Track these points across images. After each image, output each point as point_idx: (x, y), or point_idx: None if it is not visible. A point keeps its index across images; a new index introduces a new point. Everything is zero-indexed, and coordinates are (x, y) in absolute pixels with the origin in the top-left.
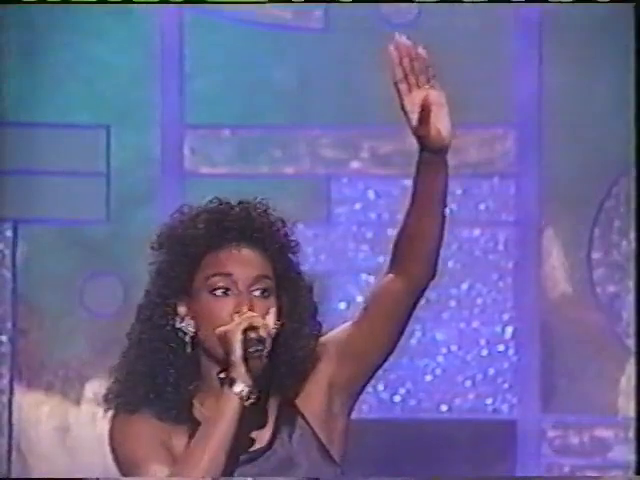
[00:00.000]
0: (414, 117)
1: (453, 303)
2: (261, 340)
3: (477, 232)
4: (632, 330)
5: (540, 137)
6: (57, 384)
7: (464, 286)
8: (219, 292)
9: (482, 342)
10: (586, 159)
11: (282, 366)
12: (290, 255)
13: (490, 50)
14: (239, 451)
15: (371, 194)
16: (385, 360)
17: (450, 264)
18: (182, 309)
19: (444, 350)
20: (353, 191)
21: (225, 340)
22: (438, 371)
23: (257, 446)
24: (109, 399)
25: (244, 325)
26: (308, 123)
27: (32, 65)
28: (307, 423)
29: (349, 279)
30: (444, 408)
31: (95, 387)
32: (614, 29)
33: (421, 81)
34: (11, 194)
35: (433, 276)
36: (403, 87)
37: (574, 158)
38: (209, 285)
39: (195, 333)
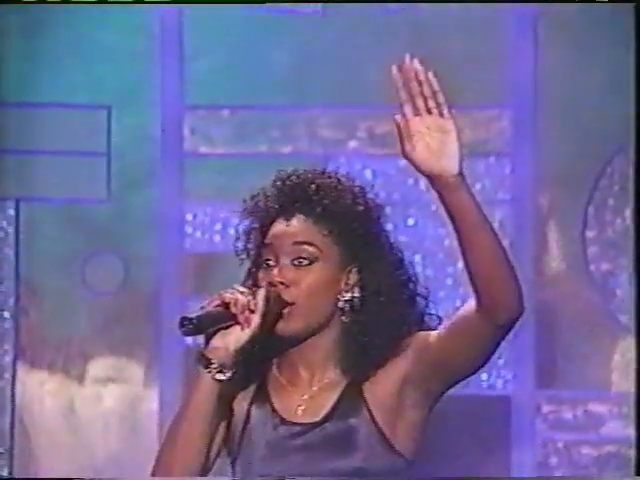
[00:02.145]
0: (414, 142)
1: (449, 281)
2: (224, 316)
3: None
4: (626, 307)
5: (535, 118)
6: (59, 362)
7: (460, 264)
8: (264, 265)
9: None
10: (581, 139)
11: (354, 344)
12: (360, 225)
13: (486, 33)
14: (284, 420)
15: (368, 173)
16: (466, 378)
17: (446, 242)
18: (259, 275)
19: (440, 328)
20: (350, 170)
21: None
22: None
23: (309, 419)
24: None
25: (216, 302)
26: (306, 104)
27: (34, 47)
28: (368, 410)
29: None
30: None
31: (97, 365)
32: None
33: (430, 105)
34: (13, 173)
35: (520, 313)
36: (408, 111)
37: (569, 138)
38: (259, 261)
39: None
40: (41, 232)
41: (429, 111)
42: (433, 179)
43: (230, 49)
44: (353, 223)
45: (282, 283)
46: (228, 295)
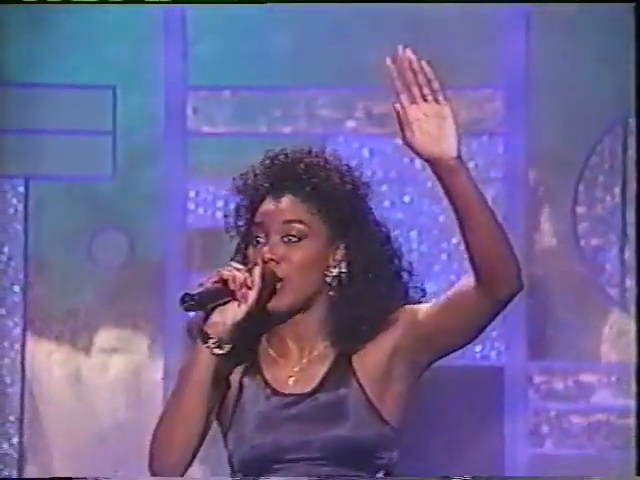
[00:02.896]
0: (413, 128)
1: (444, 256)
2: (222, 292)
3: None
4: (615, 281)
5: (527, 98)
6: (66, 333)
7: (454, 240)
8: (254, 242)
9: None
10: (571, 118)
11: (344, 318)
12: (349, 201)
13: (480, 17)
14: (275, 391)
15: (365, 152)
16: (456, 350)
17: (441, 219)
18: (249, 251)
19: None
20: (348, 149)
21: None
22: None
23: (299, 390)
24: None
25: (214, 278)
26: (305, 84)
27: (42, 30)
28: (357, 380)
29: None
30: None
31: (103, 336)
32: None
33: (425, 93)
34: (22, 152)
35: (519, 288)
36: (405, 99)
37: (560, 118)
38: (250, 238)
39: None
40: (49, 209)
41: (425, 98)
42: (433, 163)
43: (231, 32)
44: (341, 201)
45: (272, 259)
46: (226, 272)
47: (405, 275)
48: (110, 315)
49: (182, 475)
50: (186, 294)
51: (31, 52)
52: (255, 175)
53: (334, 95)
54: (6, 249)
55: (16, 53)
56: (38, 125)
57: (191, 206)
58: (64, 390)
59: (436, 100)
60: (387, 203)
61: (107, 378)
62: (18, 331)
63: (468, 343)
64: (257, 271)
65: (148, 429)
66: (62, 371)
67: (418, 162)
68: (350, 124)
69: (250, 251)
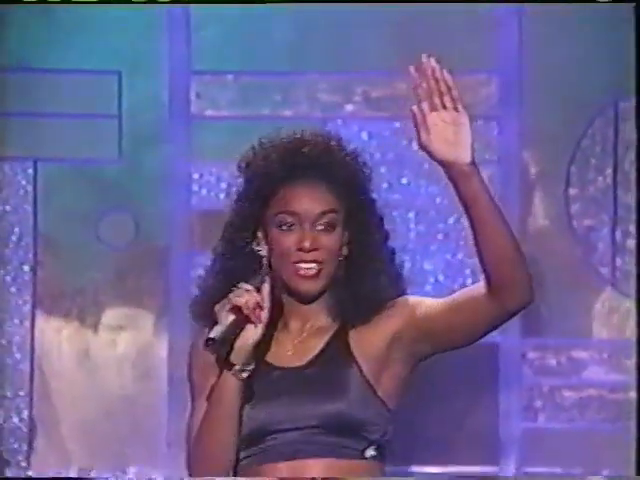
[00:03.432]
0: (430, 133)
1: (440, 236)
2: (239, 321)
3: None
4: (606, 260)
5: (521, 83)
6: (75, 311)
7: (451, 220)
8: (285, 227)
9: (467, 272)
10: (564, 102)
11: (346, 292)
12: (360, 188)
13: (476, 5)
14: (273, 366)
15: (364, 135)
16: (456, 349)
17: (438, 200)
18: (260, 234)
19: (432, 279)
20: (347, 132)
21: (215, 318)
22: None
23: (297, 363)
24: (191, 308)
25: (228, 306)
26: (306, 70)
27: (51, 18)
28: (354, 358)
29: None
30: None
31: (110, 314)
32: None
33: (445, 101)
34: (31, 135)
35: (530, 299)
36: (426, 106)
37: (553, 102)
38: (277, 221)
39: (269, 258)
40: (57, 190)
41: (444, 106)
42: (448, 167)
43: (234, 18)
44: (354, 187)
45: (310, 249)
46: (238, 299)
47: (397, 256)
48: (117, 293)
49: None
50: (208, 339)
51: (40, 39)
52: (272, 160)
53: (333, 80)
54: (16, 229)
55: (26, 39)
56: (46, 109)
57: (195, 188)
58: (73, 366)
59: (455, 108)
60: (385, 185)
61: (114, 354)
62: (28, 308)
63: (469, 344)
64: (266, 288)
65: (154, 404)
66: (71, 347)
67: (415, 145)
68: (349, 108)
69: (278, 236)
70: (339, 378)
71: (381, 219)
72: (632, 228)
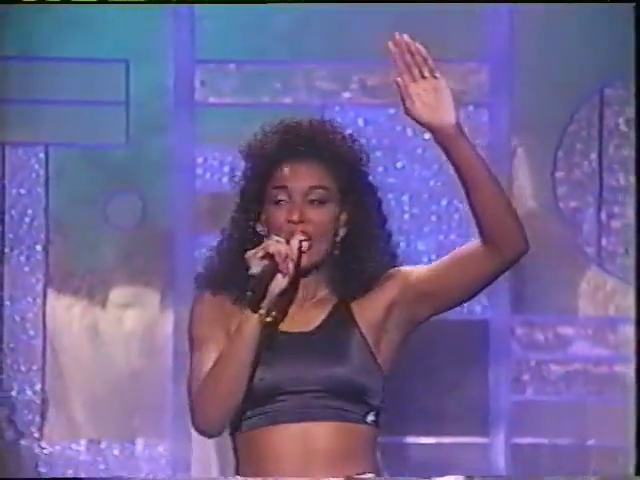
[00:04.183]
0: (413, 100)
1: (434, 218)
2: (271, 269)
3: None
4: (592, 240)
5: (511, 71)
6: (84, 289)
7: (443, 202)
8: (279, 203)
9: None
10: (551, 89)
11: (346, 270)
12: (354, 168)
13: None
14: (279, 329)
15: (360, 121)
16: (454, 307)
17: (431, 183)
18: (263, 215)
19: (425, 259)
20: (344, 119)
21: (248, 264)
22: None
23: (301, 329)
24: (197, 280)
25: (261, 253)
26: (305, 59)
27: (62, 10)
28: (356, 323)
29: None
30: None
31: (118, 292)
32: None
33: (424, 72)
34: (43, 121)
35: (526, 247)
36: (406, 78)
37: (540, 89)
38: (271, 196)
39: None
40: (67, 174)
41: (423, 76)
42: (434, 131)
43: (236, 9)
44: (351, 168)
45: (301, 221)
46: (272, 247)
47: (393, 237)
48: (124, 272)
49: (222, 430)
50: (250, 276)
51: (52, 30)
52: (271, 142)
53: (331, 68)
54: (29, 211)
55: (38, 31)
56: (57, 96)
57: (199, 171)
58: (83, 342)
59: (433, 76)
60: (381, 169)
61: (122, 331)
62: (40, 287)
63: (468, 300)
64: (294, 243)
65: (160, 378)
66: (80, 324)
67: (410, 130)
68: (346, 95)
69: (271, 211)
70: (344, 344)
71: (379, 203)
72: (617, 209)
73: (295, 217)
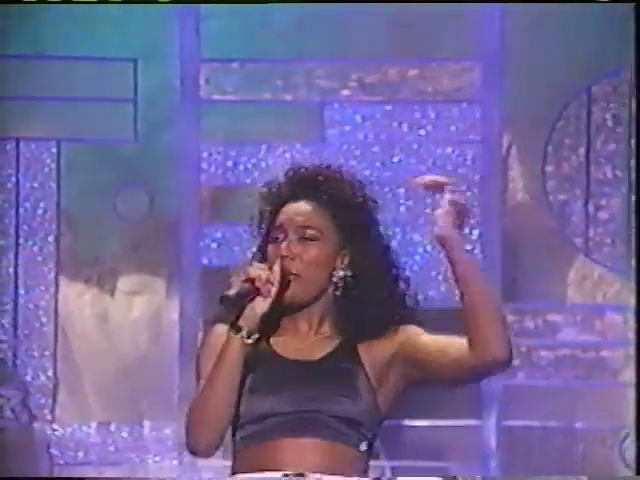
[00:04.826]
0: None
1: (428, 210)
2: (250, 290)
3: (449, 150)
4: (580, 231)
5: (502, 69)
6: (94, 278)
7: (437, 196)
8: (275, 241)
9: None
10: (541, 87)
11: (347, 312)
12: (357, 213)
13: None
14: (281, 356)
15: (358, 118)
16: (444, 386)
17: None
18: (269, 248)
19: (420, 250)
20: (343, 115)
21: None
22: (415, 267)
23: (308, 358)
24: (217, 316)
25: (242, 277)
26: (305, 57)
27: (73, 11)
28: (361, 362)
29: None
30: (420, 298)
31: (126, 280)
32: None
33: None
34: (55, 117)
35: (507, 362)
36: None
37: (531, 87)
38: (272, 236)
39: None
40: (78, 168)
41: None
42: (436, 237)
43: (239, 10)
44: (351, 211)
45: (288, 256)
46: (252, 272)
47: (402, 284)
48: (132, 262)
49: (214, 451)
50: (223, 296)
51: (63, 31)
52: (279, 185)
53: (330, 67)
54: (42, 204)
55: (50, 31)
56: (69, 93)
57: (204, 166)
58: (93, 328)
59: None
60: (378, 163)
61: (132, 317)
62: (52, 276)
63: (454, 387)
64: (277, 268)
65: (166, 362)
66: (91, 311)
67: (405, 126)
68: (345, 92)
69: (270, 248)
70: (348, 377)
71: (387, 248)
72: (604, 201)
73: (284, 252)
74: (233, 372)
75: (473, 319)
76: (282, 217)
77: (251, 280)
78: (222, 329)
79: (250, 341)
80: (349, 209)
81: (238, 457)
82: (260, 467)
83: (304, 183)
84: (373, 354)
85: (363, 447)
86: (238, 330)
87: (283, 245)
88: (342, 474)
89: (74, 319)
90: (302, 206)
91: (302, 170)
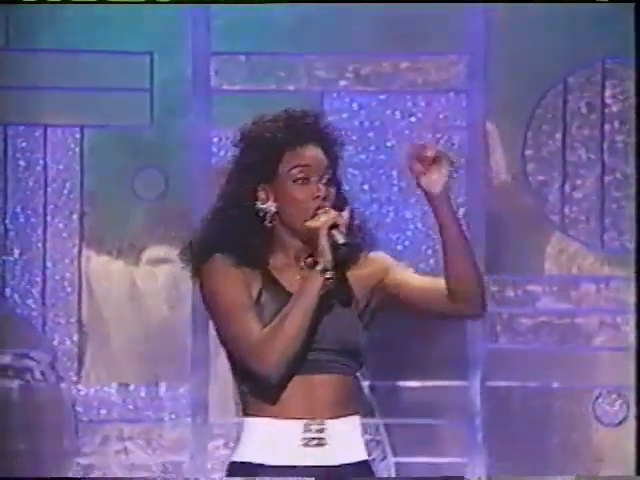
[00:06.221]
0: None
1: (419, 190)
2: (340, 241)
3: (438, 135)
4: (556, 209)
5: (486, 63)
6: (115, 252)
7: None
8: (299, 181)
9: None
10: (521, 78)
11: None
12: (338, 153)
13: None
14: (289, 294)
15: (355, 106)
16: (412, 316)
17: None
18: (262, 194)
19: (411, 226)
20: (341, 104)
21: (312, 234)
22: (407, 242)
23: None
24: (201, 245)
25: (329, 223)
26: (305, 51)
27: (95, 8)
28: (354, 296)
29: None
30: (411, 271)
31: (146, 254)
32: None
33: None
34: (79, 105)
35: (479, 314)
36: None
37: (512, 77)
38: (291, 175)
39: (277, 213)
40: (100, 152)
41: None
42: (425, 194)
43: (246, 8)
44: (337, 154)
45: (321, 196)
46: (334, 217)
47: (356, 212)
48: (149, 237)
49: (285, 374)
50: (344, 244)
51: (86, 25)
52: (278, 128)
53: (329, 59)
54: (67, 184)
55: (75, 25)
56: (91, 83)
57: (214, 149)
58: (122, 294)
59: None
60: (372, 147)
61: (157, 285)
62: (76, 250)
63: (422, 319)
64: (345, 213)
65: (179, 327)
66: (120, 278)
67: (398, 114)
68: (342, 83)
69: (289, 189)
70: (351, 310)
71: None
72: (578, 182)
73: (322, 193)
74: (314, 306)
75: (454, 278)
76: (306, 158)
77: (336, 225)
78: (222, 257)
79: (328, 275)
80: (337, 153)
81: (249, 399)
82: (276, 399)
83: (307, 127)
84: (358, 284)
85: (357, 373)
86: (326, 271)
87: (318, 187)
88: (347, 399)
89: (104, 286)
90: (319, 150)
91: (298, 114)
